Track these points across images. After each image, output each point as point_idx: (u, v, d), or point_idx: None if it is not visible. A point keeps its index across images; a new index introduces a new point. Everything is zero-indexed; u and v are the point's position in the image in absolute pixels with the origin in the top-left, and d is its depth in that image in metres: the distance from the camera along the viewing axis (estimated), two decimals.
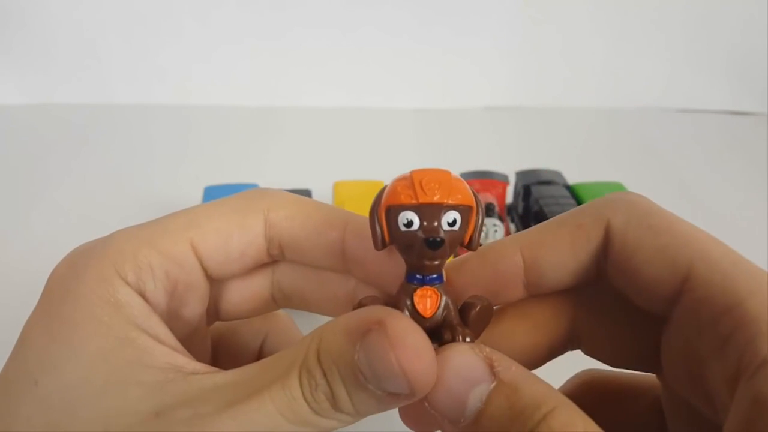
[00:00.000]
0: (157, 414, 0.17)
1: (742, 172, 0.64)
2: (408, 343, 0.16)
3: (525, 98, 0.81)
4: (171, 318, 0.21)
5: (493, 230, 0.41)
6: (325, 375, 0.17)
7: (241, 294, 0.23)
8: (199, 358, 0.20)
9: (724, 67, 0.81)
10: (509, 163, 0.52)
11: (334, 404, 0.17)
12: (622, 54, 0.81)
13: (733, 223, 0.52)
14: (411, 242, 0.17)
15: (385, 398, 0.17)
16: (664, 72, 0.82)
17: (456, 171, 0.50)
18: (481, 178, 0.47)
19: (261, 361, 0.18)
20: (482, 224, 0.18)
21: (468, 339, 0.18)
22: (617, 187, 0.46)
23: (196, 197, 0.46)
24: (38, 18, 0.77)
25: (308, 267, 0.22)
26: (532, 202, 0.45)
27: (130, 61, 0.80)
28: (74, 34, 0.78)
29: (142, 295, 0.20)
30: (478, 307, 0.18)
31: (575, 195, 0.45)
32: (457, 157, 0.61)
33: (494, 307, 0.20)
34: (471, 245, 0.18)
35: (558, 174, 0.49)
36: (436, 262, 0.18)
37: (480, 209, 0.18)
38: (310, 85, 0.79)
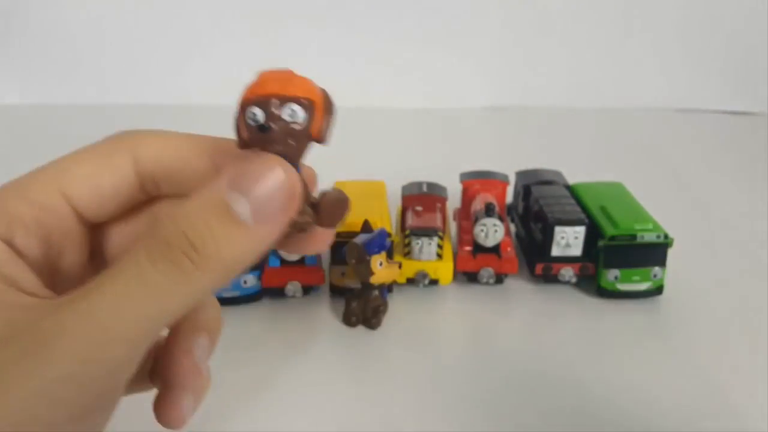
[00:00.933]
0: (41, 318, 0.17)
1: (741, 171, 0.64)
2: (284, 162, 0.18)
3: (525, 98, 0.81)
4: (50, 268, 0.21)
5: (494, 230, 0.41)
6: (183, 232, 0.17)
7: (124, 239, 0.23)
8: None
9: (723, 68, 0.81)
10: (509, 163, 0.52)
11: (196, 257, 0.17)
12: (622, 54, 0.81)
13: (732, 222, 0.52)
14: (252, 134, 0.18)
15: (258, 230, 0.18)
16: (663, 72, 0.82)
17: (456, 171, 0.50)
18: (481, 178, 0.47)
19: (107, 270, 0.18)
20: (331, 120, 0.19)
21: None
22: (617, 187, 0.46)
23: None
24: (38, 19, 0.78)
25: (186, 144, 0.23)
26: (533, 202, 0.45)
27: (129, 61, 0.80)
28: (73, 34, 0.78)
29: (10, 244, 0.20)
30: (327, 195, 0.20)
31: (575, 195, 0.45)
32: (458, 157, 0.61)
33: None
34: (320, 138, 0.19)
35: (558, 174, 0.49)
36: (278, 149, 0.18)
37: (329, 105, 0.19)
38: None
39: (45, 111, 0.78)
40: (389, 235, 0.39)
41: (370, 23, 0.79)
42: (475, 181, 0.47)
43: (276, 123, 0.18)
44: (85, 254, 0.22)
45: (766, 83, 0.81)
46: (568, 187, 0.46)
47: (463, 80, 0.81)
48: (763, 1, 0.79)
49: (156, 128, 0.23)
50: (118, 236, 0.23)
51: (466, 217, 0.46)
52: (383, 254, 0.37)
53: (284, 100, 0.18)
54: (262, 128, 0.18)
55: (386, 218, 0.42)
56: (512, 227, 0.48)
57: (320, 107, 0.19)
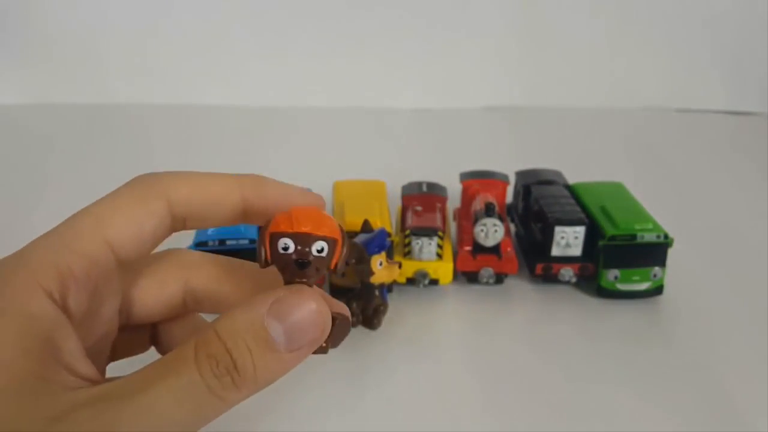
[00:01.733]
0: (56, 418, 0.18)
1: (741, 171, 0.64)
2: (317, 297, 0.21)
3: (525, 98, 0.81)
4: (90, 317, 0.22)
5: (494, 230, 0.41)
6: (227, 349, 0.19)
7: (154, 297, 0.25)
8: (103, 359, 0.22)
9: (723, 68, 0.81)
10: (509, 163, 0.52)
11: (237, 377, 0.19)
12: (622, 54, 0.81)
13: (733, 222, 0.52)
14: (286, 263, 0.21)
15: (288, 358, 0.20)
16: (663, 72, 0.82)
17: (456, 171, 0.50)
18: (481, 178, 0.47)
19: (157, 360, 0.20)
20: (347, 254, 0.22)
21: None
22: (617, 187, 0.46)
23: None
24: (38, 18, 0.77)
25: (221, 269, 0.25)
26: (532, 201, 0.45)
27: (129, 61, 0.80)
28: (74, 34, 0.78)
29: (65, 302, 0.20)
30: (337, 321, 0.22)
31: (575, 195, 0.45)
32: (457, 157, 0.61)
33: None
34: (336, 270, 0.22)
35: (558, 174, 0.49)
36: (304, 280, 0.21)
37: (345, 242, 0.22)
38: (310, 85, 0.79)
39: (44, 111, 0.78)
40: (389, 234, 0.39)
41: (370, 23, 0.79)
42: (475, 181, 0.47)
43: (309, 258, 0.21)
44: (118, 301, 0.24)
45: (766, 83, 0.81)
46: (568, 187, 0.46)
47: (464, 80, 0.81)
48: (763, 1, 0.79)
49: (178, 171, 0.24)
50: (148, 297, 0.25)
51: (466, 217, 0.45)
52: (383, 254, 0.37)
53: (316, 238, 0.21)
54: (302, 264, 0.21)
55: (386, 218, 0.42)
56: (512, 227, 0.48)
57: (340, 244, 0.22)
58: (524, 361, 0.36)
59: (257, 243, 0.22)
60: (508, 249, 0.42)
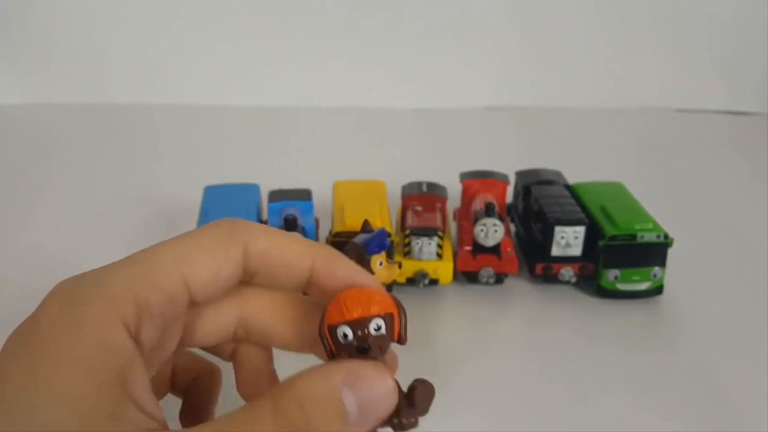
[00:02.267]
0: None
1: (741, 171, 0.64)
2: (388, 378, 0.21)
3: (525, 98, 0.81)
4: (156, 350, 0.22)
5: (494, 230, 0.41)
6: (307, 416, 0.19)
7: (213, 326, 0.25)
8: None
9: (722, 67, 0.81)
10: (509, 163, 0.52)
11: None
12: (622, 54, 0.81)
13: (732, 222, 0.52)
14: (350, 350, 0.22)
15: (356, 429, 0.20)
16: (663, 72, 0.82)
17: (456, 171, 0.50)
18: (481, 178, 0.47)
19: (230, 415, 0.20)
20: (406, 322, 0.23)
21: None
22: (617, 187, 0.46)
23: (196, 197, 0.46)
24: (39, 18, 0.77)
25: (276, 300, 0.25)
26: (532, 201, 0.45)
27: (130, 61, 0.80)
28: (75, 34, 0.78)
29: (137, 336, 0.21)
30: (419, 388, 0.23)
31: (575, 194, 0.45)
32: (457, 157, 0.61)
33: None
34: (401, 341, 0.23)
35: (558, 174, 0.49)
36: (373, 359, 0.22)
37: (401, 311, 0.23)
38: (310, 85, 0.79)
39: (46, 111, 0.78)
40: (389, 234, 0.39)
41: (371, 23, 0.79)
42: (475, 180, 0.47)
43: (369, 341, 0.22)
44: (180, 335, 0.24)
45: (766, 83, 0.81)
46: (568, 187, 0.46)
47: (464, 80, 0.81)
48: (763, 1, 0.79)
49: (260, 224, 0.25)
50: (204, 326, 0.25)
51: (466, 216, 0.46)
52: (383, 254, 0.37)
53: (370, 319, 0.22)
54: (363, 350, 0.22)
55: (386, 218, 0.42)
56: (512, 227, 0.48)
57: (396, 316, 0.23)
58: (524, 360, 0.36)
59: (319, 337, 0.23)
60: (508, 249, 0.42)
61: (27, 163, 0.64)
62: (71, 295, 0.20)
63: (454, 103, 0.80)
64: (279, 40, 0.79)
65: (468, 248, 0.43)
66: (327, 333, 0.22)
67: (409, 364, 0.36)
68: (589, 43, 0.81)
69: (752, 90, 0.81)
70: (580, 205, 0.43)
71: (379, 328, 0.22)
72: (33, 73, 0.79)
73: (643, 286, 0.41)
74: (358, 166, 0.51)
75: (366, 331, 0.22)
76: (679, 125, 0.77)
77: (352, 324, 0.22)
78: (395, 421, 0.22)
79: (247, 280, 0.24)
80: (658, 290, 0.41)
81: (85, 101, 0.79)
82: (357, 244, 0.36)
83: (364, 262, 0.36)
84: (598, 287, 0.42)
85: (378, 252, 0.36)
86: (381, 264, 0.36)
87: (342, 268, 0.24)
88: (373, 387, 0.21)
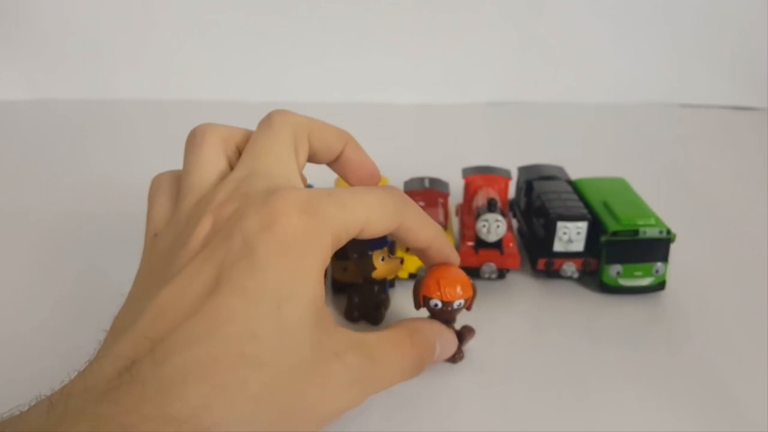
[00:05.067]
0: (337, 354, 0.26)
1: (744, 167, 0.64)
2: (454, 342, 0.34)
3: (527, 94, 0.81)
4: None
5: (496, 225, 0.41)
6: (429, 345, 0.31)
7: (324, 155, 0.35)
8: None
9: (727, 63, 0.81)
10: (512, 159, 0.52)
11: (427, 361, 0.31)
12: (625, 50, 0.81)
13: (735, 218, 0.52)
14: (435, 314, 0.33)
15: (436, 358, 0.33)
16: (666, 67, 0.81)
17: (458, 166, 0.50)
18: (483, 174, 0.47)
19: (381, 333, 0.29)
20: (474, 298, 0.34)
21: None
22: (619, 182, 0.46)
23: None
24: (43, 14, 0.78)
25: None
26: (534, 197, 0.45)
27: (133, 57, 0.80)
28: (78, 30, 0.78)
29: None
30: (464, 327, 0.35)
31: (577, 190, 0.45)
32: (460, 153, 0.61)
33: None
34: (469, 309, 0.34)
35: (560, 169, 0.49)
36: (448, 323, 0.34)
37: (475, 294, 0.34)
38: (311, 80, 0.79)
39: (49, 106, 0.78)
40: None
41: (373, 18, 0.79)
42: (477, 176, 0.47)
43: (454, 316, 0.34)
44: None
45: None
46: (571, 183, 0.46)
47: (466, 76, 0.81)
48: None
49: (311, 119, 0.34)
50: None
51: (468, 212, 0.46)
52: (385, 250, 0.37)
53: (456, 300, 0.32)
54: (448, 322, 0.34)
55: None
56: (514, 222, 0.48)
57: (472, 296, 0.33)
58: (526, 355, 0.36)
59: (414, 291, 0.33)
60: (511, 244, 0.42)
61: (31, 159, 0.64)
62: (313, 218, 0.26)
63: (457, 99, 0.80)
64: (281, 36, 0.79)
65: (470, 243, 0.43)
66: (421, 297, 0.33)
67: None
68: (591, 39, 0.80)
69: (756, 85, 0.81)
70: (583, 201, 0.43)
71: (460, 306, 0.33)
72: (36, 69, 0.79)
73: (646, 281, 0.41)
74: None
75: (451, 308, 0.32)
76: (682, 121, 0.77)
77: (445, 302, 0.32)
78: (453, 356, 0.34)
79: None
80: (660, 286, 0.41)
81: (89, 97, 0.79)
82: (359, 240, 0.36)
83: (366, 258, 0.36)
84: (601, 283, 0.42)
85: (380, 248, 0.36)
86: (383, 260, 0.37)
87: (358, 156, 0.35)
88: (448, 341, 0.33)
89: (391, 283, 0.41)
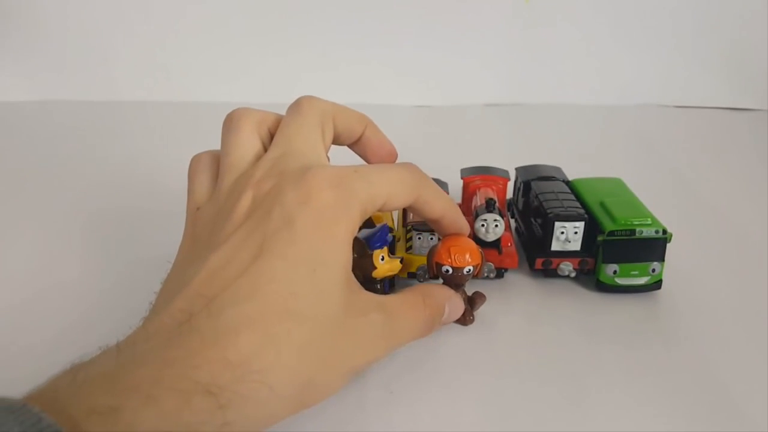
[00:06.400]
0: (362, 313, 0.30)
1: (740, 168, 0.64)
2: (461, 306, 0.37)
3: (525, 95, 0.82)
4: None
5: (494, 225, 0.42)
6: (439, 306, 0.35)
7: (347, 137, 0.38)
8: None
9: (722, 64, 0.81)
10: (509, 159, 0.52)
11: (438, 324, 0.35)
12: (622, 51, 0.82)
13: (731, 218, 0.53)
14: (446, 280, 0.37)
15: (443, 322, 0.36)
16: (663, 68, 0.82)
17: (457, 167, 0.51)
18: (481, 174, 0.47)
19: (397, 296, 0.33)
20: (482, 265, 0.37)
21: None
22: (617, 183, 0.47)
23: None
24: (44, 16, 0.78)
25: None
26: (532, 197, 0.45)
27: (136, 58, 0.80)
28: (82, 31, 0.79)
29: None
30: (475, 293, 0.39)
31: (575, 190, 0.45)
32: (458, 154, 0.61)
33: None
34: (479, 276, 0.38)
35: (558, 170, 0.49)
36: (458, 287, 0.38)
37: (484, 261, 0.37)
38: (311, 81, 0.79)
39: (52, 108, 0.78)
40: (391, 230, 0.39)
41: (372, 20, 0.79)
42: (475, 176, 0.47)
43: (464, 281, 0.37)
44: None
45: (766, 80, 0.81)
46: (568, 183, 0.47)
47: (464, 77, 0.82)
48: None
49: (336, 104, 0.37)
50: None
51: (467, 212, 0.46)
52: (385, 249, 0.37)
53: (465, 266, 0.36)
54: (458, 286, 0.37)
55: (388, 214, 0.42)
56: (512, 222, 0.49)
57: (480, 265, 0.37)
58: (524, 353, 0.37)
59: (427, 259, 0.38)
60: (509, 244, 0.43)
61: (33, 160, 0.65)
62: (345, 192, 0.29)
63: (455, 100, 0.81)
64: (282, 38, 0.80)
65: None
66: (434, 264, 0.37)
67: (410, 355, 0.36)
68: (588, 40, 0.81)
69: (753, 87, 0.81)
70: (580, 201, 0.44)
71: (469, 272, 0.36)
72: (39, 71, 0.79)
73: (642, 280, 0.41)
74: (359, 163, 0.51)
75: (461, 273, 0.36)
76: (678, 121, 0.77)
77: (455, 268, 0.36)
78: (462, 318, 0.38)
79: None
80: (656, 285, 0.42)
81: (92, 98, 0.79)
82: (359, 240, 0.36)
83: (366, 258, 0.37)
84: (597, 282, 0.42)
85: (380, 247, 0.37)
86: (383, 259, 0.37)
87: (377, 137, 0.39)
88: (456, 305, 0.37)
89: (391, 283, 0.42)
